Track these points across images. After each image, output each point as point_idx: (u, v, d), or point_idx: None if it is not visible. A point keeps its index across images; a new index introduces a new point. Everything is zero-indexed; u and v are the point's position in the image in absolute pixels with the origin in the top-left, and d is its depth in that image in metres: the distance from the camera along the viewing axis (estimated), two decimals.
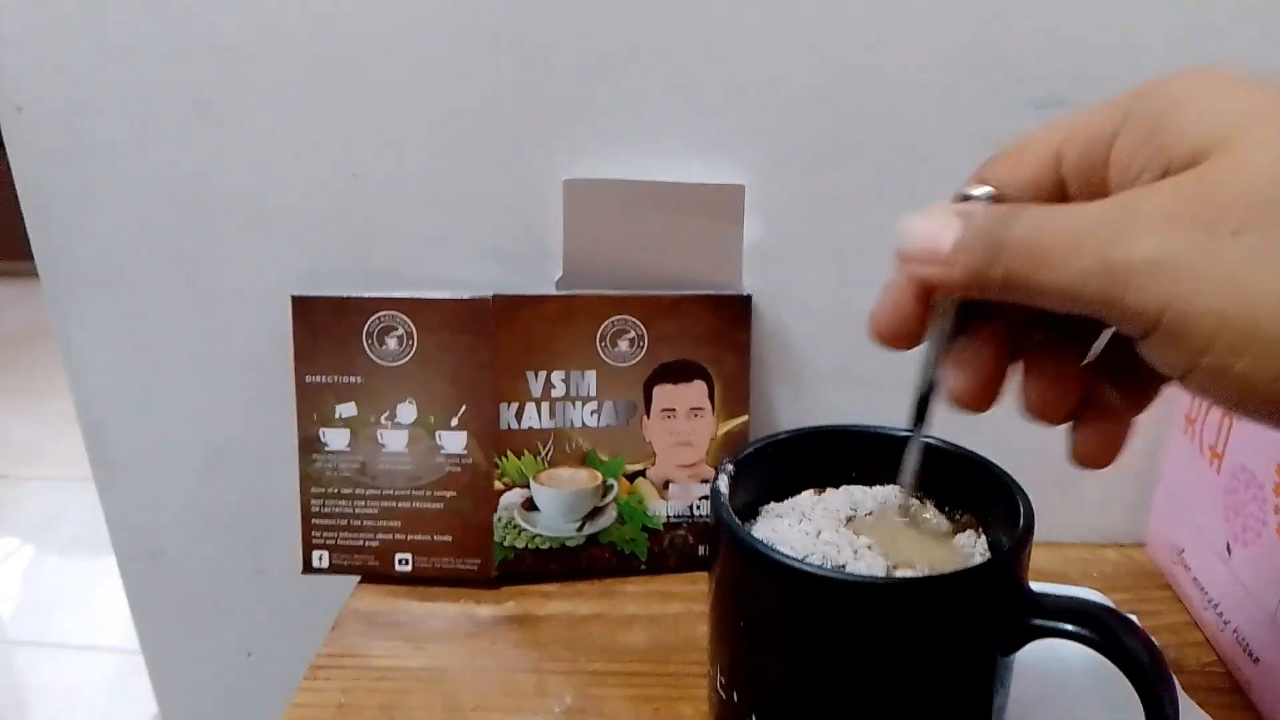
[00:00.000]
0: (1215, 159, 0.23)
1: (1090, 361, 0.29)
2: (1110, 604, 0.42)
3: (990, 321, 0.29)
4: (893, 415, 0.40)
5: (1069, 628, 0.32)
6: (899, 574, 0.34)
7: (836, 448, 0.40)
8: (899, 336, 0.30)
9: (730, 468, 0.37)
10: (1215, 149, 0.23)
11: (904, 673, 0.32)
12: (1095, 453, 0.29)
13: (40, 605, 1.68)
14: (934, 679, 0.33)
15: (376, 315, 0.50)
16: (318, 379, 0.51)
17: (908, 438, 0.34)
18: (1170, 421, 0.52)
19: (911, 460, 0.34)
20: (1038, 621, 0.32)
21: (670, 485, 0.53)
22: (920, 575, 0.33)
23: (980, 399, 0.29)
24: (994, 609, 0.32)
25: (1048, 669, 0.42)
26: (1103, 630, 0.32)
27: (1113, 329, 0.26)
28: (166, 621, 0.63)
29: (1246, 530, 0.43)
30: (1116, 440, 0.29)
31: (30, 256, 0.53)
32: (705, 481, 0.53)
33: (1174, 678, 0.32)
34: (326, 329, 0.51)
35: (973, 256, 0.26)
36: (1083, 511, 0.56)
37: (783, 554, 0.32)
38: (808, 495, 0.39)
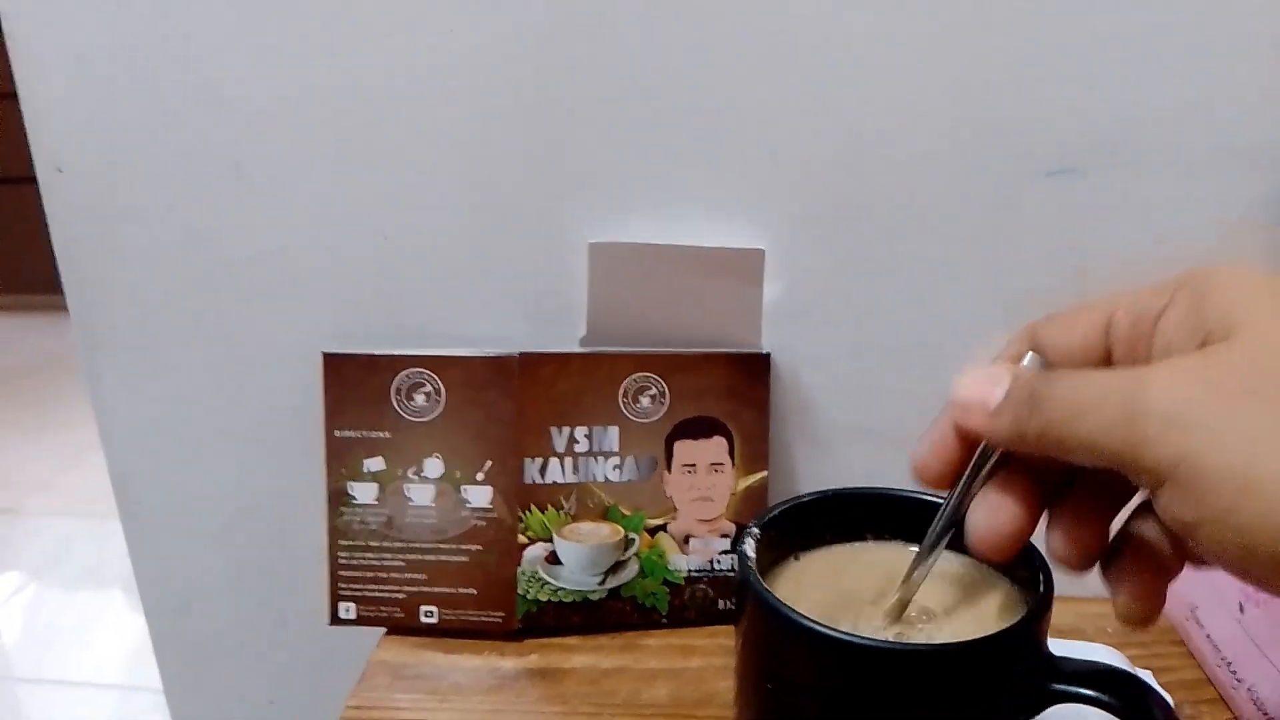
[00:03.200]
0: (1238, 334, 0.25)
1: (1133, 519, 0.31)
2: (1127, 665, 0.43)
3: (1023, 476, 0.31)
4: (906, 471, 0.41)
5: (1089, 693, 0.33)
6: (922, 640, 0.35)
7: (862, 509, 0.41)
8: (939, 476, 0.32)
9: (756, 531, 0.38)
10: (1241, 326, 0.25)
11: None
12: (1132, 613, 0.30)
13: (44, 640, 1.67)
14: None
15: (405, 372, 0.51)
16: (347, 434, 0.52)
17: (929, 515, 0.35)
18: None
19: (923, 567, 0.35)
20: (1059, 686, 0.33)
21: (690, 540, 0.54)
22: (945, 643, 0.34)
23: (1000, 549, 0.31)
24: (1016, 675, 0.33)
25: None
26: (1123, 696, 0.33)
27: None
28: (191, 667, 0.64)
29: (1258, 590, 0.44)
30: (1154, 600, 0.30)
31: (50, 290, 0.55)
32: (725, 536, 0.54)
33: None
34: (356, 385, 0.52)
35: (1016, 411, 0.28)
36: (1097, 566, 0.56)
37: (809, 619, 0.33)
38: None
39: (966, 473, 0.32)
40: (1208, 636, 0.49)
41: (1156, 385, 0.25)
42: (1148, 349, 0.28)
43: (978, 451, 0.31)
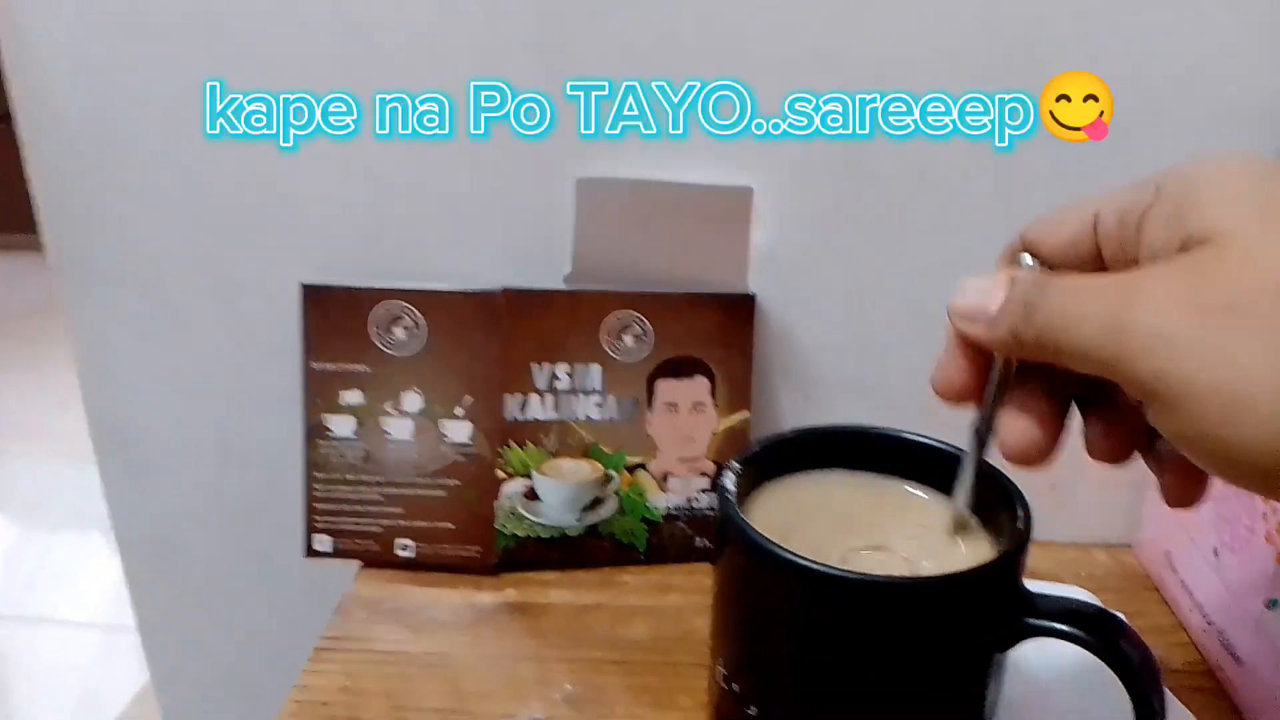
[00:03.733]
0: (1221, 244, 0.25)
1: None
2: (1100, 605, 0.43)
3: (1044, 381, 0.31)
4: (894, 424, 0.41)
5: (1064, 628, 0.33)
6: (904, 573, 0.35)
7: (845, 448, 0.41)
8: (957, 392, 0.32)
9: (737, 465, 0.38)
10: (1224, 234, 0.25)
11: (904, 669, 0.33)
12: (1178, 496, 0.31)
13: (27, 581, 1.67)
14: (933, 675, 0.34)
15: (384, 305, 0.51)
16: (325, 367, 0.52)
17: (951, 454, 0.36)
18: None
19: (965, 482, 0.35)
20: (1034, 621, 0.33)
21: (670, 478, 0.54)
22: (925, 576, 0.34)
23: (1031, 455, 0.31)
24: (993, 610, 0.33)
25: (1039, 666, 0.43)
26: (1097, 632, 0.33)
27: None
28: (167, 605, 0.64)
29: (1234, 537, 0.44)
30: (1196, 485, 0.31)
31: (35, 231, 0.54)
32: (705, 475, 0.54)
33: (1162, 680, 0.33)
34: (336, 317, 0.51)
35: (1013, 318, 0.29)
36: (1074, 513, 0.57)
37: (787, 551, 0.33)
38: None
39: (990, 386, 0.32)
40: (1182, 582, 0.49)
41: (1141, 298, 0.25)
42: (1135, 249, 0.28)
43: (996, 363, 0.31)
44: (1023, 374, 0.31)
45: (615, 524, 0.54)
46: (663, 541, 0.54)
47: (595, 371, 0.52)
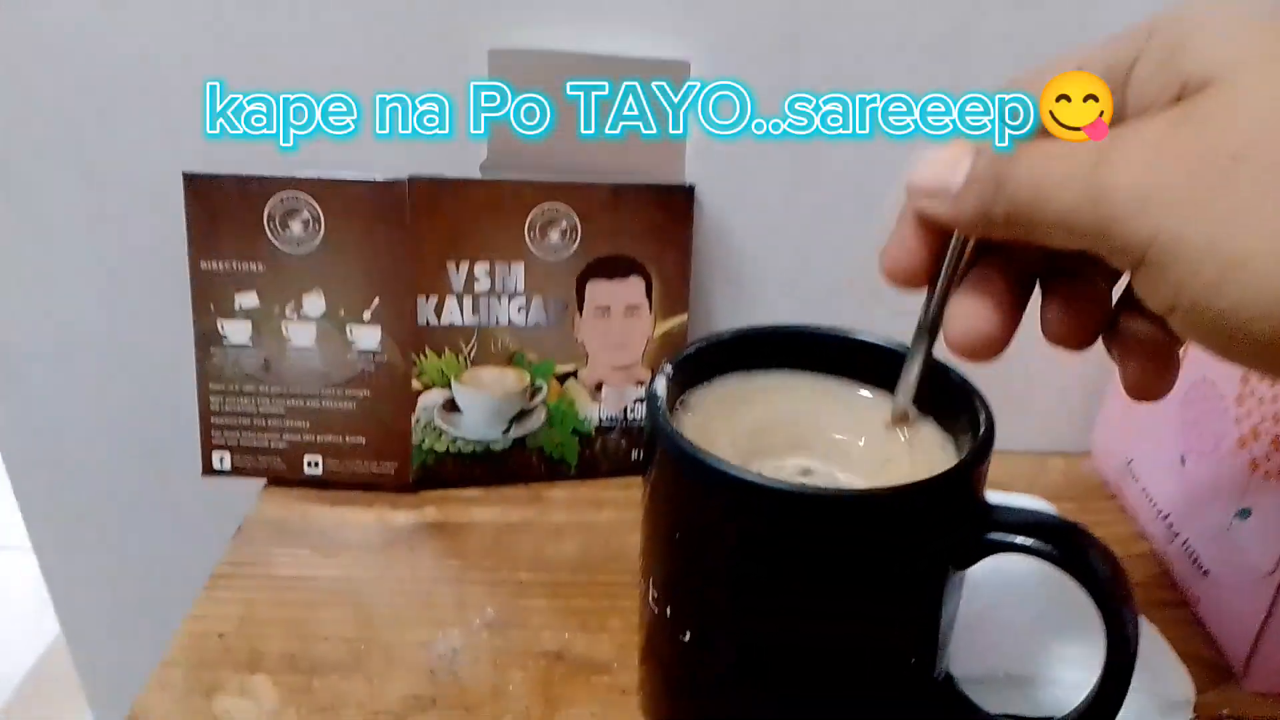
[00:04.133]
0: (1223, 87, 0.21)
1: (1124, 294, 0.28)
2: (1064, 517, 0.40)
3: (1002, 263, 0.28)
4: (842, 325, 0.37)
5: (1028, 542, 0.30)
6: (853, 484, 0.31)
7: (788, 349, 0.37)
8: (908, 275, 0.29)
9: (669, 369, 0.34)
10: (1226, 76, 0.21)
11: (851, 589, 0.30)
12: (1144, 385, 0.28)
13: None
14: (883, 595, 0.30)
15: (279, 196, 0.45)
16: (215, 266, 0.46)
17: (901, 353, 0.32)
18: None
19: (911, 373, 0.32)
20: (995, 536, 0.30)
21: (603, 388, 0.49)
22: (876, 488, 0.30)
23: (981, 346, 0.28)
24: (950, 524, 0.30)
25: (996, 583, 0.40)
26: (1064, 545, 0.29)
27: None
28: (63, 530, 0.59)
29: (1204, 441, 0.41)
30: (1164, 372, 0.27)
31: None
32: (640, 384, 0.50)
33: (1134, 595, 0.30)
34: (224, 211, 0.46)
35: (980, 193, 0.25)
36: (1029, 420, 0.54)
37: (722, 462, 0.29)
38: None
39: (943, 269, 0.28)
40: (1143, 490, 0.47)
41: (1121, 157, 0.22)
42: (1122, 106, 0.24)
43: (952, 243, 0.28)
44: (979, 253, 0.28)
45: (543, 437, 0.49)
46: (595, 455, 0.50)
47: (518, 271, 0.47)
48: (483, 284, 0.47)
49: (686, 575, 0.32)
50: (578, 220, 0.47)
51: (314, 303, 0.47)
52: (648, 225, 0.47)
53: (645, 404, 0.32)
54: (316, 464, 0.48)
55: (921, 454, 0.33)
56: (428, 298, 0.47)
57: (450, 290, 0.47)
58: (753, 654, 0.31)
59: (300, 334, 0.47)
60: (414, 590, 0.43)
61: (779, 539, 0.29)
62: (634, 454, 0.50)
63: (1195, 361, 0.43)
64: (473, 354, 0.48)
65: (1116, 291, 0.28)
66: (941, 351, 0.33)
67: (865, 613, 0.30)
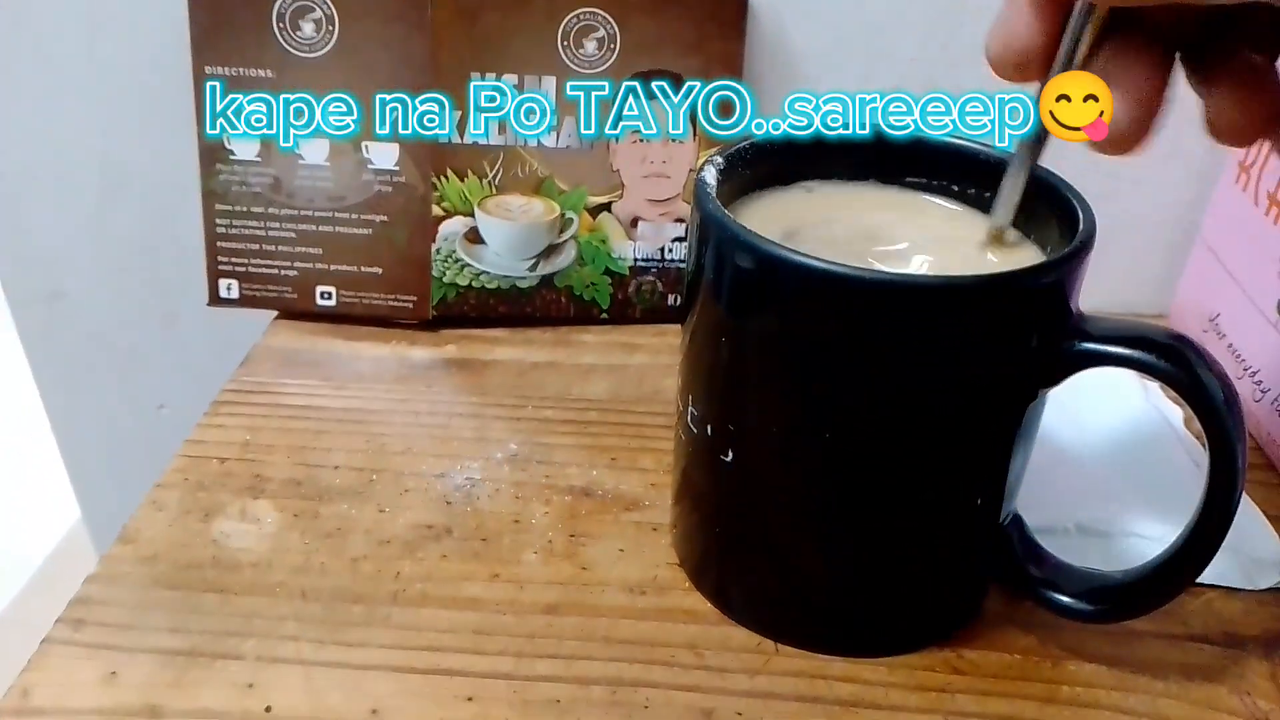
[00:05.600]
0: None
1: None
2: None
3: (1139, 41, 0.23)
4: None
5: (1131, 354, 0.26)
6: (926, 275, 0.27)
7: (858, 155, 0.32)
8: (1023, 58, 0.24)
9: (720, 160, 0.30)
10: None
11: (919, 399, 0.26)
12: (1238, 115, 0.23)
13: None
14: (956, 410, 0.26)
15: None
16: (220, 71, 0.42)
17: (998, 160, 0.28)
18: (1214, 179, 0.45)
19: (1013, 185, 0.28)
20: (1090, 347, 0.26)
21: (640, 223, 0.45)
22: (951, 276, 0.26)
23: (1128, 135, 0.23)
24: (1039, 327, 0.26)
25: (1068, 433, 0.37)
26: (1174, 358, 0.25)
27: None
28: (69, 373, 0.56)
29: None
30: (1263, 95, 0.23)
31: None
32: (680, 221, 0.46)
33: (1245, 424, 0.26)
34: (229, 10, 0.41)
35: None
36: (1104, 281, 0.49)
37: (779, 245, 0.25)
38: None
39: (1063, 46, 0.23)
40: (1229, 346, 0.42)
41: None
42: None
43: (1074, 11, 0.23)
44: (1106, 32, 0.23)
45: (573, 275, 0.46)
46: (628, 298, 0.46)
47: (549, 85, 0.43)
48: (510, 100, 0.43)
49: (732, 383, 0.28)
50: (617, 29, 0.42)
51: None
52: (694, 38, 0.43)
53: (694, 192, 0.28)
54: (330, 295, 0.45)
55: (1011, 261, 0.29)
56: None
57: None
58: (801, 476, 0.28)
59: (312, 150, 0.43)
60: (431, 423, 0.40)
61: (839, 335, 0.25)
62: (671, 299, 0.47)
63: None
64: (498, 179, 0.44)
65: None
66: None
67: (933, 429, 0.27)
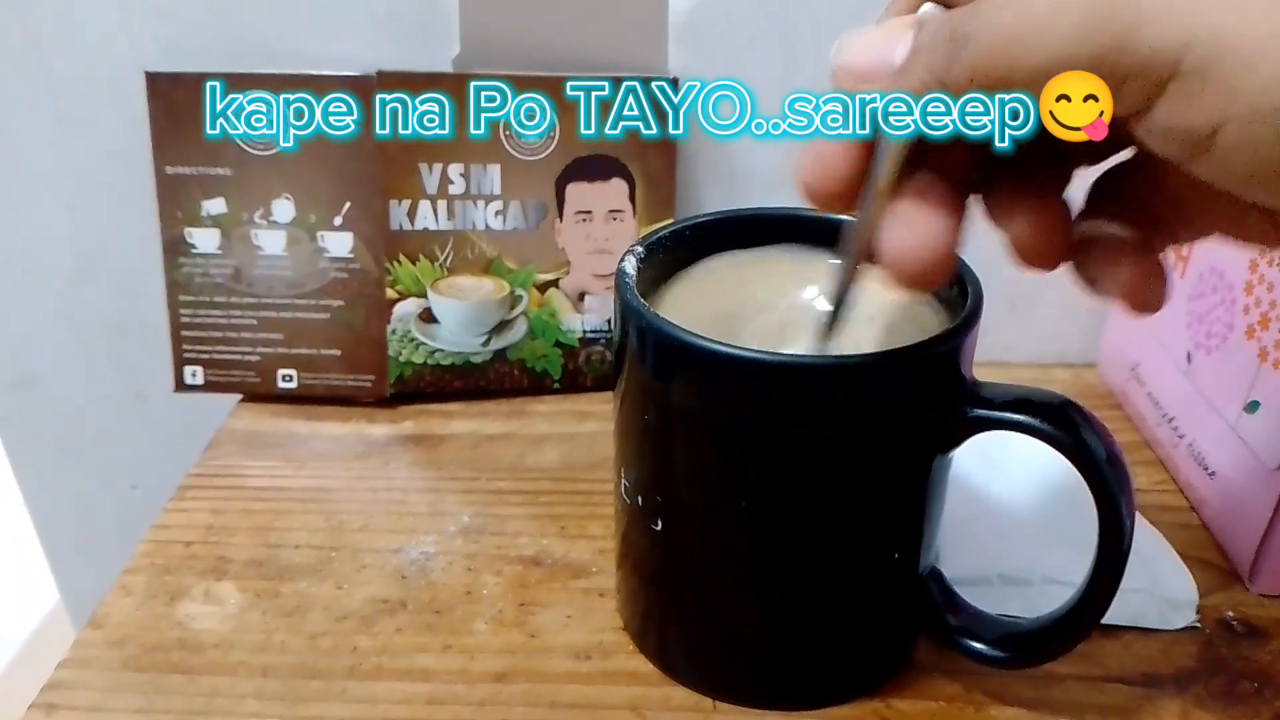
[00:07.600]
0: None
1: (1091, 200, 0.26)
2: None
3: (939, 170, 0.24)
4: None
5: (1017, 418, 0.28)
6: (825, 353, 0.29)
7: (765, 230, 0.35)
8: (833, 192, 0.25)
9: (640, 249, 0.32)
10: None
11: (826, 469, 0.28)
12: (1142, 296, 0.24)
13: None
14: (861, 476, 0.28)
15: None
16: (180, 170, 0.44)
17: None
18: None
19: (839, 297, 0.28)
20: (981, 412, 0.28)
21: (586, 297, 0.48)
22: (844, 355, 0.28)
23: (925, 272, 0.24)
24: (932, 397, 0.28)
25: (988, 486, 0.39)
26: (1057, 420, 0.27)
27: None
28: (42, 454, 0.58)
29: (1211, 336, 0.39)
30: (1153, 279, 0.24)
31: None
32: None
33: (1132, 480, 0.28)
34: (188, 112, 0.44)
35: (931, 60, 0.21)
36: (1033, 331, 0.52)
37: (689, 332, 0.27)
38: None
39: (873, 180, 0.24)
40: (1148, 394, 0.45)
41: None
42: None
43: (881, 148, 0.24)
44: (909, 167, 0.24)
45: (525, 349, 0.48)
46: (579, 367, 0.49)
47: (494, 173, 0.45)
48: (457, 186, 0.45)
49: (656, 458, 0.30)
50: (556, 118, 0.45)
51: (283, 208, 0.45)
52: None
53: (615, 282, 0.30)
54: (291, 377, 0.47)
55: (907, 334, 0.31)
56: (400, 201, 0.45)
57: (423, 194, 0.45)
58: (725, 541, 0.30)
59: (270, 241, 0.45)
60: (388, 499, 0.41)
61: (747, 412, 0.27)
62: None
63: (1203, 251, 0.41)
64: (449, 261, 0.46)
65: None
66: None
67: (843, 495, 0.29)
